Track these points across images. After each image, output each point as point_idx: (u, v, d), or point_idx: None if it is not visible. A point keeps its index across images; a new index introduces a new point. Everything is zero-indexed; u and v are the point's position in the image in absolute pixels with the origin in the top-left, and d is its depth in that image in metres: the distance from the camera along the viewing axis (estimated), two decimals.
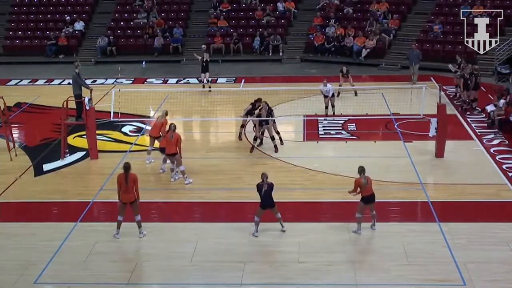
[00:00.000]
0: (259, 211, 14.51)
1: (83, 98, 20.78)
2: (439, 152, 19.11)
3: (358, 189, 14.40)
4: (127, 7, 36.53)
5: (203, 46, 31.17)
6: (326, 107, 23.02)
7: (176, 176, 17.87)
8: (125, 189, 14.40)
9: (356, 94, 25.27)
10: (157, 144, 18.98)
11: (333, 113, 22.99)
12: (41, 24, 35.85)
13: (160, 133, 18.74)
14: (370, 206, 14.49)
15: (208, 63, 27.19)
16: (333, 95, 22.97)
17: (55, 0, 37.28)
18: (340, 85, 25.09)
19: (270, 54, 33.03)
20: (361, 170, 14.43)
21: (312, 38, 33.00)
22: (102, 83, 28.67)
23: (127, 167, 14.44)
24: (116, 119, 20.86)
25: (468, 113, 23.20)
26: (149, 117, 23.84)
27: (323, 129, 21.99)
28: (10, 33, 35.34)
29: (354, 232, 14.56)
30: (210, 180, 17.94)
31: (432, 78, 27.52)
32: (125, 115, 21.92)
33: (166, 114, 19.18)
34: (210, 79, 27.29)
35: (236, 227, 15.13)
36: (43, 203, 16.94)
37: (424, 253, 13.78)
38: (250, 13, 35.33)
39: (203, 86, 27.00)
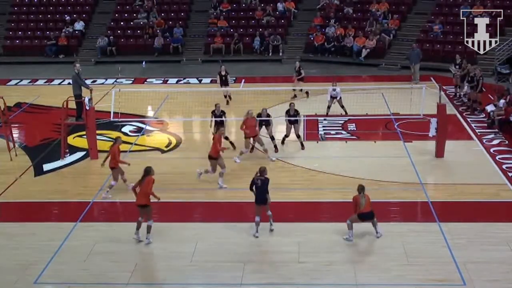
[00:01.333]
0: (256, 208, 14.54)
1: (83, 98, 20.78)
2: (439, 152, 19.11)
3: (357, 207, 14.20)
4: (127, 7, 36.53)
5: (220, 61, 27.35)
6: (329, 107, 22.94)
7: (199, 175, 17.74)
8: (139, 191, 14.28)
9: (307, 95, 25.11)
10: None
11: (345, 112, 22.85)
12: (41, 24, 35.86)
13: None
14: (367, 221, 14.27)
15: (227, 77, 24.97)
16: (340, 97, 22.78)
17: (55, 0, 37.29)
18: (293, 89, 24.85)
19: (270, 54, 33.04)
20: (361, 189, 14.23)
21: (312, 38, 33.00)
22: (102, 83, 28.67)
23: (147, 170, 14.27)
24: (116, 119, 20.86)
25: (468, 112, 23.25)
26: (151, 117, 23.85)
27: (323, 129, 21.97)
28: (10, 33, 35.35)
29: (346, 239, 14.29)
30: (210, 180, 17.93)
31: (432, 78, 27.52)
32: (125, 115, 21.91)
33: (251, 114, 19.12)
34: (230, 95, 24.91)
35: (236, 227, 15.13)
36: (43, 203, 16.93)
37: (424, 253, 13.78)
38: (250, 13, 35.34)
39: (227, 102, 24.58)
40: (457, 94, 25.17)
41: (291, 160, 19.22)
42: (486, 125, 21.82)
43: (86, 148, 20.01)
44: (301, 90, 25.21)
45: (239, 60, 32.73)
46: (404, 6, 34.02)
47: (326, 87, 23.73)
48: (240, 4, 36.04)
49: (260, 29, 33.88)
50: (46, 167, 19.22)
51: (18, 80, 30.13)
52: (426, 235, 14.60)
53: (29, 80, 30.14)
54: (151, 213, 14.42)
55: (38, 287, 12.97)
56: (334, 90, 22.60)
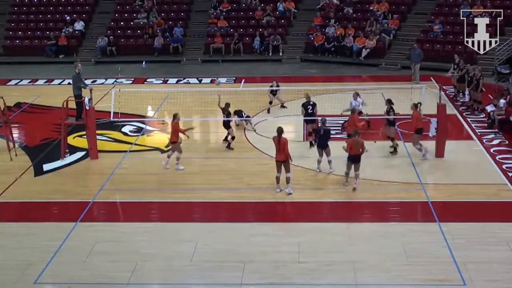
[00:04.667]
0: (318, 151, 17.96)
1: (83, 98, 20.77)
2: (439, 152, 19.10)
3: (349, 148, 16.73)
4: (127, 7, 36.54)
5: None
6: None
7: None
8: (277, 150, 16.26)
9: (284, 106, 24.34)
10: None
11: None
12: (41, 24, 35.87)
13: None
14: (354, 165, 16.72)
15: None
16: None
17: (55, 0, 37.29)
18: (270, 102, 24.16)
19: (270, 54, 33.05)
20: (355, 133, 16.96)
21: (312, 38, 33.00)
22: (102, 83, 28.66)
23: (279, 131, 16.27)
24: (116, 119, 20.86)
25: (468, 112, 23.24)
26: (151, 117, 23.82)
27: None
28: (10, 33, 35.35)
29: (343, 184, 16.86)
30: (210, 180, 17.93)
31: (432, 78, 27.52)
32: (125, 115, 21.91)
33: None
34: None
35: (236, 227, 15.14)
36: (43, 203, 16.91)
37: (424, 253, 13.77)
38: (250, 13, 35.34)
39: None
40: (456, 94, 25.14)
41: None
42: (486, 125, 21.81)
43: (86, 148, 19.99)
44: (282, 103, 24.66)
45: (239, 60, 32.74)
46: (404, 6, 34.03)
47: (326, 87, 23.70)
48: (240, 4, 36.04)
49: (260, 29, 33.87)
50: (46, 167, 19.20)
51: (18, 80, 30.11)
52: (426, 235, 14.59)
53: (29, 80, 30.13)
54: (289, 166, 16.57)
55: (38, 287, 12.97)
56: (355, 99, 21.32)
